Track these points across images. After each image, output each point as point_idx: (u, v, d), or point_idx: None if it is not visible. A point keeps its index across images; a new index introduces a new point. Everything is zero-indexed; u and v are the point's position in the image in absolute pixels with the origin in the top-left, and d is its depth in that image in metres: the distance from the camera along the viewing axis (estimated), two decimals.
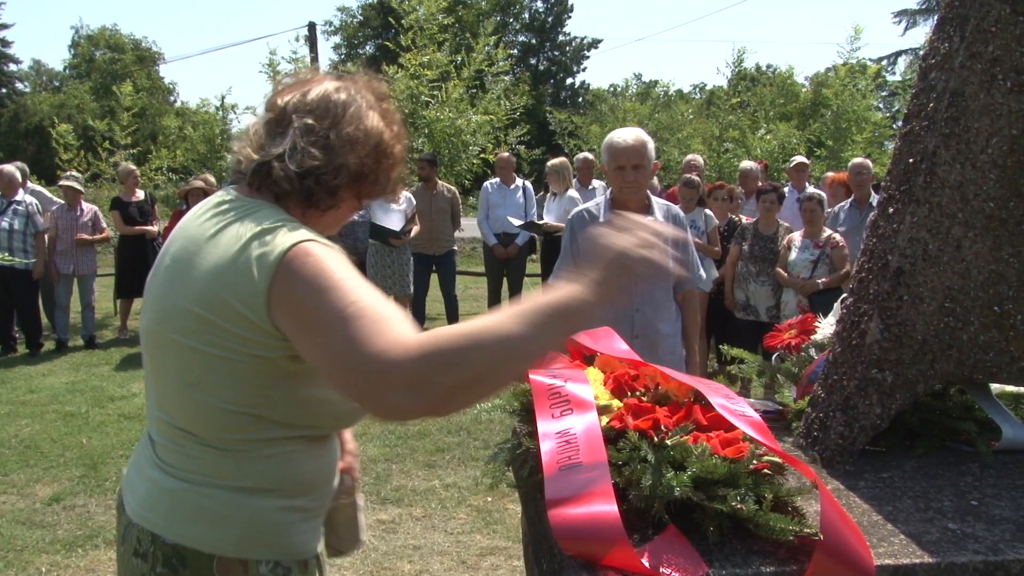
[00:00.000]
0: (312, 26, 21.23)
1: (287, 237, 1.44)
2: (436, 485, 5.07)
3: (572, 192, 8.78)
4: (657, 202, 3.80)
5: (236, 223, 1.50)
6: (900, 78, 21.72)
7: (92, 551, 4.26)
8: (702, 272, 3.93)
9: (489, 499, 4.79)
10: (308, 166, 1.53)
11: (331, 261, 1.42)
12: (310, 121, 1.56)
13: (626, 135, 3.61)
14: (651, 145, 3.64)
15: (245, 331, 1.44)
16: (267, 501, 1.55)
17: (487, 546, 4.24)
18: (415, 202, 8.68)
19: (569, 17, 49.82)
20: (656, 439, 1.69)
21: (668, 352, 3.64)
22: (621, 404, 1.85)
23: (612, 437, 1.73)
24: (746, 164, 9.57)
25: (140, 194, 9.88)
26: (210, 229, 1.53)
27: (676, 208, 3.89)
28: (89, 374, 8.21)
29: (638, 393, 1.93)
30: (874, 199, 7.43)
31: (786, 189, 8.31)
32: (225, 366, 1.47)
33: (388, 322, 1.33)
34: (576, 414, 1.77)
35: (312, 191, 1.56)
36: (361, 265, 9.11)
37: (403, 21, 11.92)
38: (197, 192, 7.88)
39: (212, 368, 1.48)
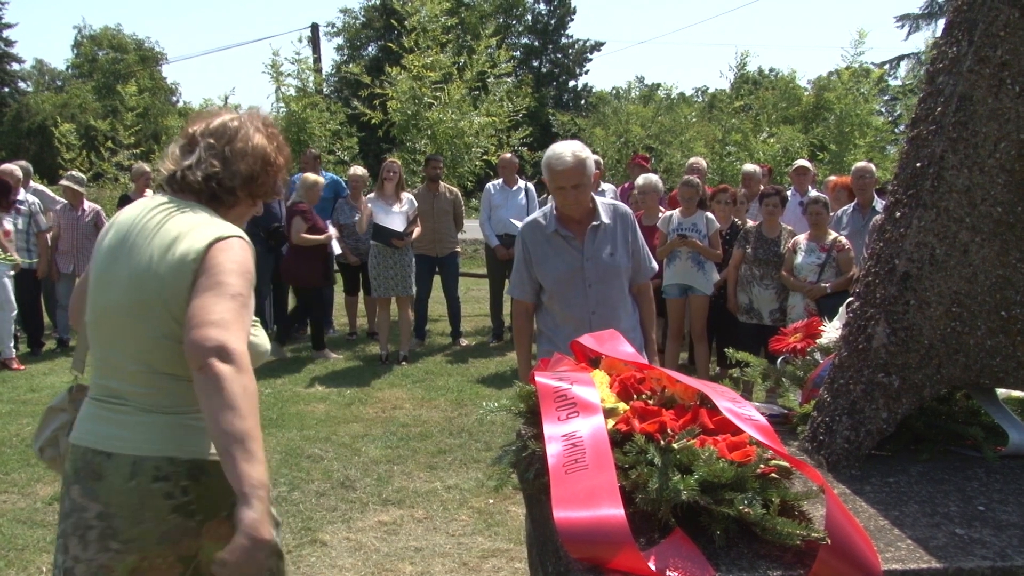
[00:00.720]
0: (315, 27, 21.24)
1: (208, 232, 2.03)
2: (438, 487, 5.07)
3: None
4: (602, 204, 3.82)
5: (177, 215, 2.07)
6: (902, 82, 21.71)
7: None
8: (653, 264, 3.99)
9: (491, 501, 4.79)
10: (210, 172, 2.11)
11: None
12: (211, 140, 2.14)
13: (565, 156, 3.56)
14: (590, 161, 3.62)
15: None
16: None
17: (489, 548, 4.24)
18: (416, 204, 8.68)
19: (572, 20, 49.89)
20: (663, 442, 1.69)
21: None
22: (627, 407, 1.85)
23: (618, 440, 1.73)
24: (748, 167, 9.56)
25: (149, 194, 9.88)
26: (158, 219, 2.07)
27: (622, 206, 3.92)
28: (90, 374, 8.21)
29: (644, 396, 1.92)
30: (877, 203, 7.42)
31: (788, 192, 8.30)
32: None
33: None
34: (582, 417, 1.77)
35: (215, 192, 2.13)
36: (363, 267, 9.13)
37: (406, 23, 11.92)
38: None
39: (177, 322, 1.95)
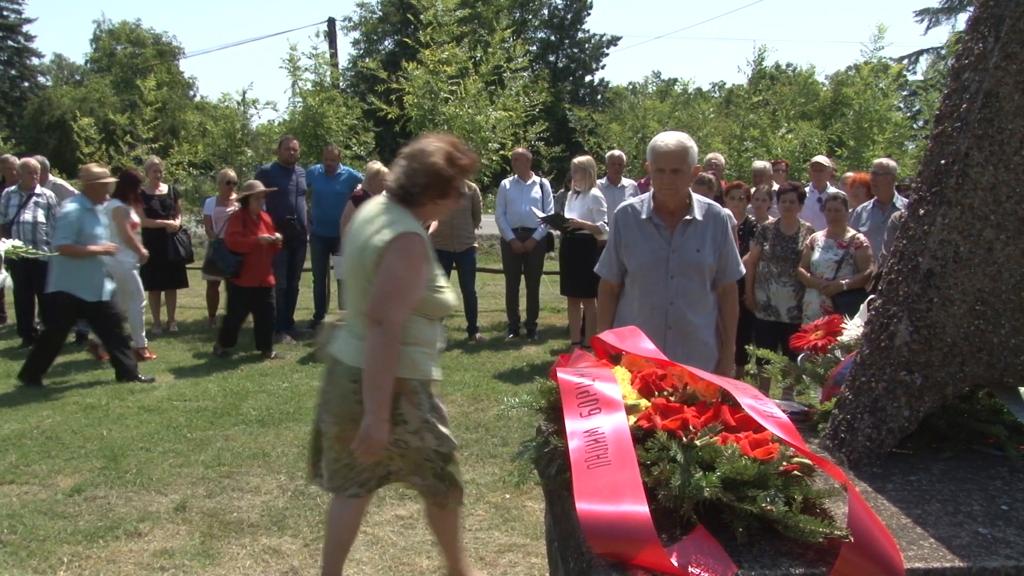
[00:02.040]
0: (332, 21, 21.26)
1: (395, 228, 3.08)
2: None
3: (595, 191, 8.75)
4: (698, 201, 3.90)
5: (384, 213, 3.15)
6: (922, 78, 21.55)
7: (113, 542, 4.29)
8: (741, 267, 4.05)
9: (507, 496, 4.79)
10: (401, 182, 3.15)
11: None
12: (404, 160, 3.18)
13: (668, 139, 3.72)
14: (693, 150, 3.73)
15: None
16: (412, 348, 3.14)
17: (505, 543, 4.24)
18: None
19: (588, 14, 49.69)
20: (685, 439, 1.69)
21: (698, 342, 3.80)
22: (649, 404, 1.85)
23: (640, 436, 1.73)
24: (759, 164, 9.52)
25: (163, 188, 9.92)
26: (375, 212, 3.18)
27: (717, 206, 3.99)
28: (110, 366, 8.27)
29: (666, 393, 1.92)
30: (897, 200, 7.37)
31: (807, 189, 8.25)
32: None
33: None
34: (604, 413, 1.77)
35: (405, 196, 3.15)
36: None
37: (422, 17, 11.90)
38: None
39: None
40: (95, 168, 7.61)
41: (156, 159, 10.55)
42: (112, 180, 7.84)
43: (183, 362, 7.94)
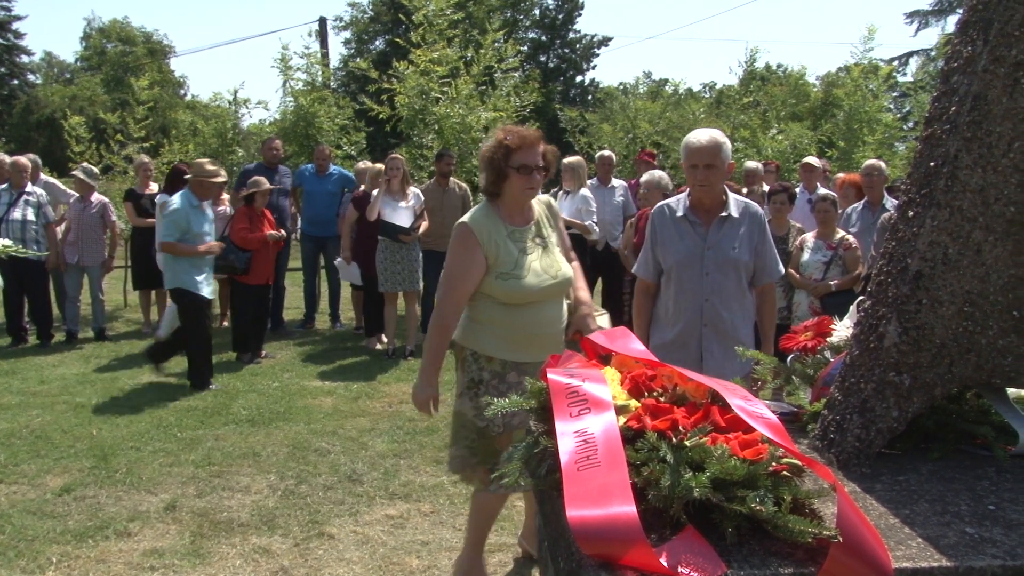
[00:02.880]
0: (323, 21, 21.23)
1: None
2: (444, 481, 5.08)
3: (585, 191, 8.76)
4: (735, 200, 3.93)
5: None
6: (912, 79, 21.60)
7: (103, 542, 4.28)
8: (780, 267, 4.08)
9: None
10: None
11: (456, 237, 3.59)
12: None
13: (701, 136, 3.76)
14: (727, 146, 3.77)
15: None
16: (479, 324, 3.57)
17: (494, 542, 4.25)
18: (423, 198, 8.68)
19: (579, 14, 49.62)
20: (675, 440, 1.69)
21: (735, 340, 3.79)
22: (639, 404, 1.85)
23: (630, 437, 1.73)
24: (751, 164, 9.54)
25: (154, 187, 9.90)
26: None
27: (755, 206, 4.01)
28: (99, 366, 8.25)
29: (655, 393, 1.93)
30: (887, 201, 7.40)
31: (797, 190, 8.28)
32: None
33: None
34: (594, 414, 1.77)
35: (485, 191, 3.62)
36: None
37: (413, 17, 11.88)
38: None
39: None
40: (208, 165, 7.33)
41: (146, 158, 10.52)
42: (224, 180, 7.64)
43: (173, 361, 7.89)
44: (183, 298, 7.09)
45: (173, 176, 8.73)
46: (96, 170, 9.99)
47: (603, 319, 3.79)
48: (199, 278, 7.07)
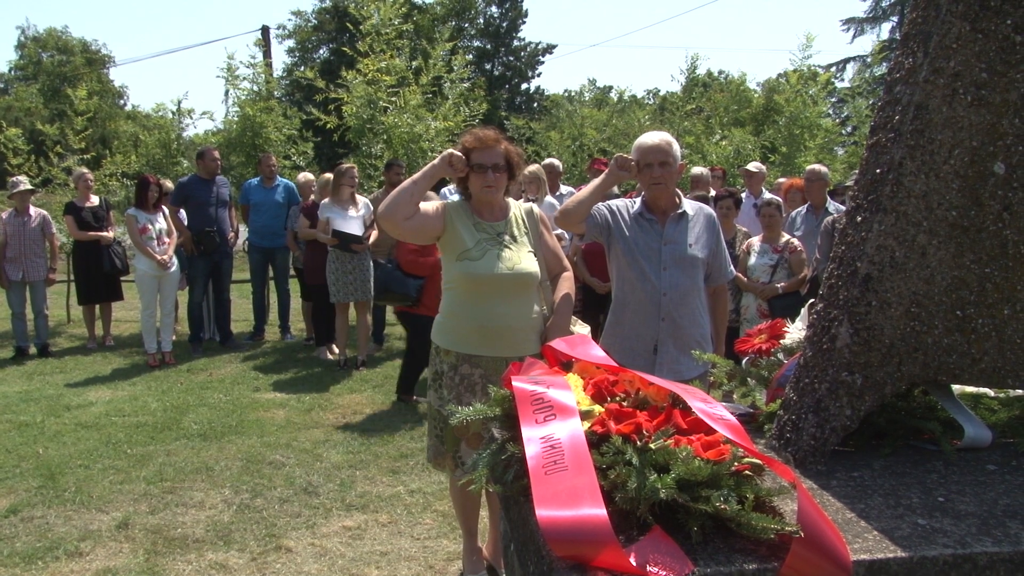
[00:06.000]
0: (266, 29, 21.07)
1: None
2: (401, 491, 5.08)
3: (550, 198, 8.78)
4: (688, 201, 4.01)
5: None
6: (849, 85, 22.11)
7: (52, 563, 4.19)
8: (731, 269, 4.19)
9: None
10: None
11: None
12: None
13: (651, 136, 3.86)
14: (676, 146, 3.85)
15: None
16: (442, 317, 3.75)
17: (454, 551, 4.26)
18: (373, 208, 8.65)
19: (524, 23, 49.96)
20: (639, 443, 1.73)
21: (692, 335, 3.90)
22: (602, 409, 1.89)
23: (595, 441, 1.77)
24: (697, 170, 9.68)
25: (94, 199, 9.72)
26: None
27: (708, 208, 4.10)
28: (43, 383, 8.06)
29: (618, 398, 1.96)
30: (829, 204, 7.58)
31: (743, 195, 8.43)
32: None
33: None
34: (560, 420, 1.80)
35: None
36: (299, 273, 9.24)
37: (361, 27, 11.83)
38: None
39: None
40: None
41: (85, 170, 10.31)
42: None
43: (120, 377, 7.76)
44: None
45: (141, 186, 8.61)
46: (24, 179, 9.73)
47: (580, 329, 3.82)
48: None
